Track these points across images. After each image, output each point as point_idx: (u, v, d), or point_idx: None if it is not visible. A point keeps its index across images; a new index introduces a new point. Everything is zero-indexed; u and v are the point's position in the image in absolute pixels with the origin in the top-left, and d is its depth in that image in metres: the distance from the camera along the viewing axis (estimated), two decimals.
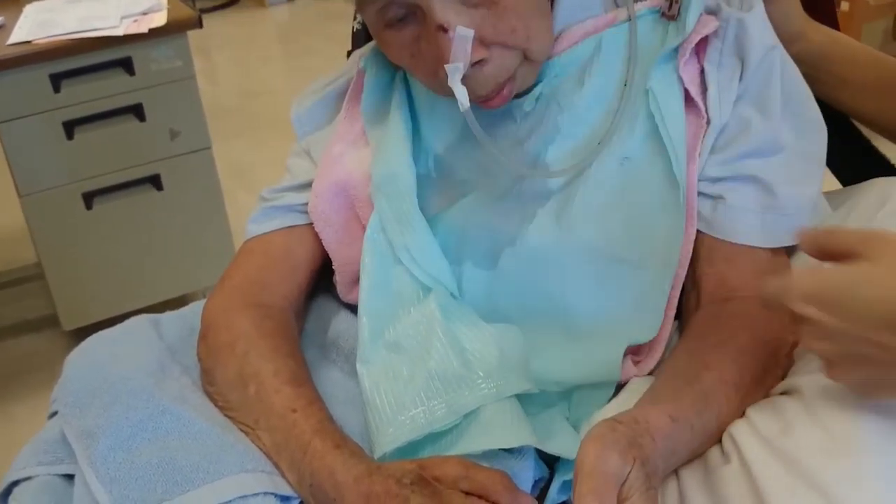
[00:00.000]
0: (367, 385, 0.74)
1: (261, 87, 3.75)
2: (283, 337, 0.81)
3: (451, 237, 0.81)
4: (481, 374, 0.72)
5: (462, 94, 0.72)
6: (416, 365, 0.74)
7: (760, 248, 0.77)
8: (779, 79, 0.78)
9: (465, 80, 0.72)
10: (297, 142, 0.92)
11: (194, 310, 0.90)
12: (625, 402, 0.75)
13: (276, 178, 0.92)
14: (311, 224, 0.86)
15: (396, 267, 0.80)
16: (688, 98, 0.77)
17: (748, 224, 0.76)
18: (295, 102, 0.92)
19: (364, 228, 0.82)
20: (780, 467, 0.61)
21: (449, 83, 0.72)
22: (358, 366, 0.76)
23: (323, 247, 0.86)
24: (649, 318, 0.76)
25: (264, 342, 0.79)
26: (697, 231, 0.77)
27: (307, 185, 0.87)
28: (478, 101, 0.76)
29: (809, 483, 0.59)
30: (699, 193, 0.77)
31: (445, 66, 0.71)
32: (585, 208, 0.77)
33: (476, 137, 0.76)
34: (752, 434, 0.65)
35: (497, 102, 0.76)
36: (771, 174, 0.76)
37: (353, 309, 0.85)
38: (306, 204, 0.86)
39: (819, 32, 0.92)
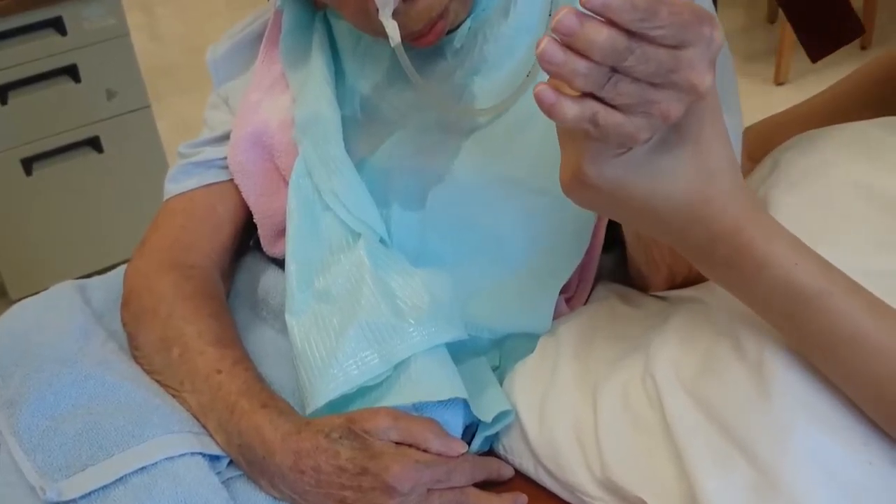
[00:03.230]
0: (297, 338, 0.72)
1: (206, 42, 3.66)
2: (206, 298, 0.79)
3: (377, 180, 0.79)
4: (412, 321, 0.71)
5: (393, 29, 0.70)
6: (346, 315, 0.72)
7: None
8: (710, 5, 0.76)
9: (396, 17, 0.70)
10: (213, 91, 0.89)
11: (120, 273, 0.87)
12: (547, 347, 0.75)
13: None
14: (233, 179, 0.83)
15: (324, 213, 0.77)
16: None
17: None
18: (210, 48, 0.89)
19: (284, 179, 0.80)
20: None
21: (380, 17, 0.69)
22: (287, 317, 0.74)
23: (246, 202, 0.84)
24: (575, 248, 0.75)
25: (186, 304, 0.77)
26: None
27: (225, 138, 0.84)
28: (410, 39, 0.73)
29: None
30: None
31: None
32: (510, 141, 0.76)
33: (404, 76, 0.74)
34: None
35: (430, 39, 0.73)
36: None
37: (281, 264, 0.83)
38: (226, 158, 0.84)
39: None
